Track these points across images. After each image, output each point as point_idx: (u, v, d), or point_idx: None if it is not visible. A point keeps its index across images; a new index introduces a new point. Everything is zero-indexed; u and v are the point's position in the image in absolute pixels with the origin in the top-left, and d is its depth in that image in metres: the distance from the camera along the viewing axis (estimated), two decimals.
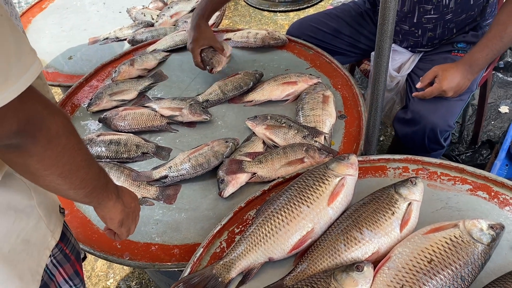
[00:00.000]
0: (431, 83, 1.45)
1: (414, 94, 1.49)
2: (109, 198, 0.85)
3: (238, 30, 1.86)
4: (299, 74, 1.55)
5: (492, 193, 1.09)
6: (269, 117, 1.39)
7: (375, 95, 1.06)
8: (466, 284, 0.88)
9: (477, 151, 2.17)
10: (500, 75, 2.70)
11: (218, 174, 1.29)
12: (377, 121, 1.14)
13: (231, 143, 1.34)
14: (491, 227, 0.94)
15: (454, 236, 0.92)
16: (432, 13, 1.55)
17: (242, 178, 1.27)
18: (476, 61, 1.41)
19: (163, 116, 1.49)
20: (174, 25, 2.13)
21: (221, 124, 1.48)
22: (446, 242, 0.91)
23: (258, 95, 1.53)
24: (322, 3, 3.49)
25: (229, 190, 1.25)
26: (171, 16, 2.15)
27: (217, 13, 2.14)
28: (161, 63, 1.80)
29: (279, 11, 3.59)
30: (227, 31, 1.91)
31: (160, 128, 1.48)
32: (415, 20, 1.60)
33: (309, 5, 3.58)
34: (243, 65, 1.72)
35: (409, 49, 1.71)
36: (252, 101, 1.54)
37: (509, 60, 2.69)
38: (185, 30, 1.89)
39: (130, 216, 0.94)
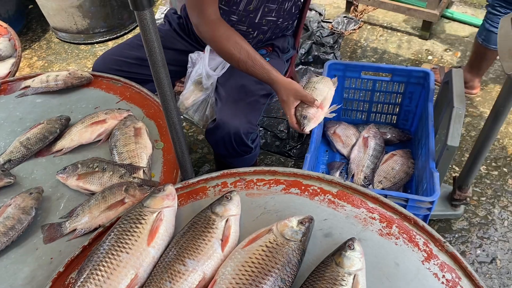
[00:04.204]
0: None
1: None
2: None
3: (37, 75, 1.71)
4: (108, 111, 1.48)
5: (302, 187, 1.17)
6: (79, 165, 1.29)
7: (170, 123, 1.05)
8: (288, 284, 0.91)
9: (304, 143, 2.35)
10: (312, 68, 2.96)
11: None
12: (183, 146, 1.14)
13: (35, 193, 1.24)
14: (301, 222, 1.00)
15: (269, 242, 0.96)
16: (273, 15, 1.62)
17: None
18: None
19: None
20: None
21: (29, 183, 1.33)
22: (263, 250, 0.94)
23: (67, 142, 1.43)
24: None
25: (311, 125, 1.49)
26: None
27: (12, 60, 1.95)
28: None
29: (97, 42, 3.45)
30: (25, 78, 1.74)
31: None
32: (256, 20, 1.63)
33: (126, 31, 3.51)
34: (47, 112, 1.58)
35: None
36: (62, 149, 1.42)
37: (316, 53, 2.97)
38: None
39: None
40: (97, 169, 1.28)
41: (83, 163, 1.30)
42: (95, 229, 1.17)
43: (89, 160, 1.32)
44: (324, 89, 1.60)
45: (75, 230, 1.18)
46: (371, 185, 1.87)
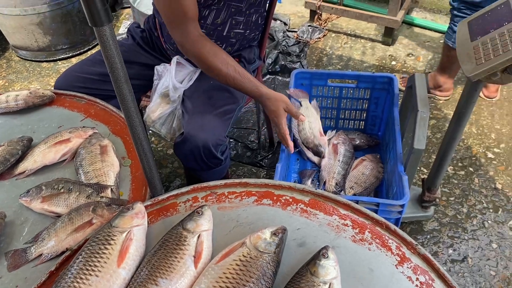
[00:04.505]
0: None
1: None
2: None
3: None
4: (72, 130, 1.44)
5: (274, 198, 1.16)
6: (43, 187, 1.25)
7: (136, 139, 1.03)
8: None
9: (275, 152, 2.35)
10: (280, 78, 2.98)
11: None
12: (150, 162, 1.11)
13: None
14: (274, 233, 0.99)
15: (243, 255, 0.94)
16: (240, 27, 1.61)
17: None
18: None
19: None
20: None
21: None
22: (236, 264, 0.92)
23: (30, 163, 1.37)
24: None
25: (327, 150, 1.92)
26: None
27: None
28: None
29: (60, 59, 3.37)
30: None
31: None
32: (224, 34, 1.61)
33: (90, 47, 3.45)
34: (7, 133, 1.52)
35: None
36: (24, 171, 1.37)
37: (283, 63, 3.00)
38: None
39: None
40: (62, 190, 1.24)
41: (47, 185, 1.26)
42: (62, 252, 1.13)
43: (54, 181, 1.28)
44: (316, 121, 1.98)
45: (41, 255, 1.13)
46: (342, 191, 1.88)
